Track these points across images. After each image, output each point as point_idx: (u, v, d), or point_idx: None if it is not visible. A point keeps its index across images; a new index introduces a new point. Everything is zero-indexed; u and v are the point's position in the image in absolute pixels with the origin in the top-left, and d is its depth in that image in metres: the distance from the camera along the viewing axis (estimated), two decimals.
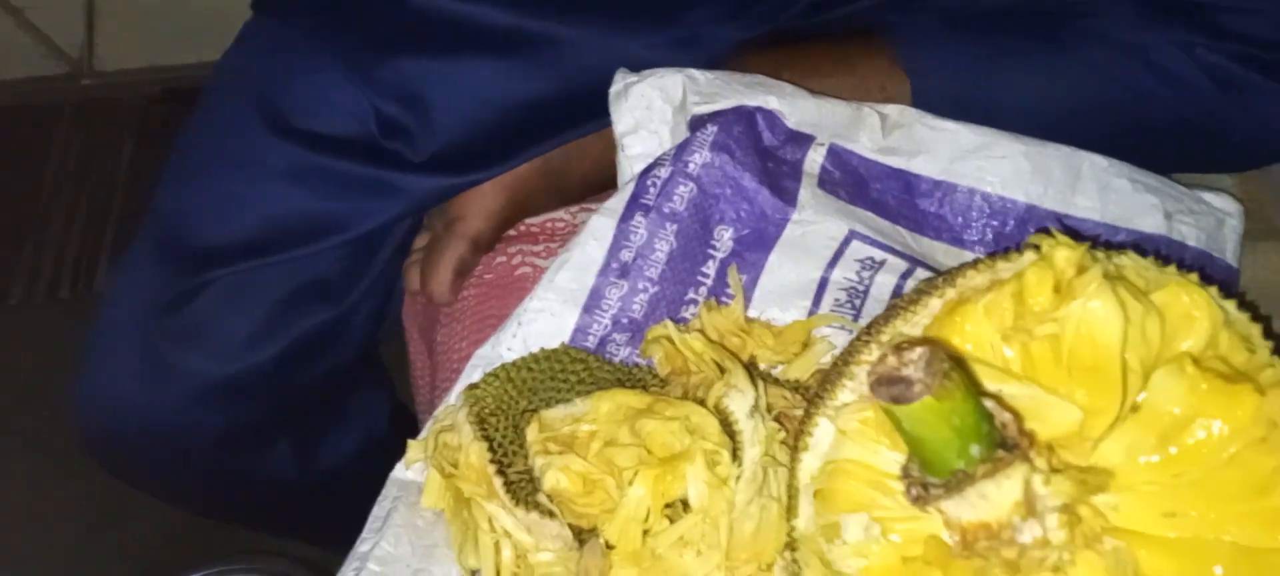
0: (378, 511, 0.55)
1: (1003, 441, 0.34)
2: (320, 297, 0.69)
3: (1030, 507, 0.33)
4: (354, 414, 0.80)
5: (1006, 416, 0.35)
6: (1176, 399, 0.38)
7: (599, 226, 0.61)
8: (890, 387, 0.33)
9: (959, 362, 0.34)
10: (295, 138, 0.67)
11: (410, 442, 0.56)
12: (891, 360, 0.33)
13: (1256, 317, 0.45)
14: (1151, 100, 0.61)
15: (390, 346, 0.79)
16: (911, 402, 0.32)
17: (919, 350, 0.33)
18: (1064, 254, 0.42)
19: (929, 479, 0.34)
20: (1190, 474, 0.38)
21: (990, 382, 0.40)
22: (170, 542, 1.12)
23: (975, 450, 0.33)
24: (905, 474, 0.35)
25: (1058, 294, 0.42)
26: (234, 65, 0.73)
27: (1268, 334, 0.44)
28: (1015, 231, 0.61)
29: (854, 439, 0.43)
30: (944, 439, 0.33)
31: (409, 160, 0.67)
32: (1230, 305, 0.44)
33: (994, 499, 0.33)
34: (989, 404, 0.35)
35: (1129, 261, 0.45)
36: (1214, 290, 0.44)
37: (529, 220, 0.71)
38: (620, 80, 0.64)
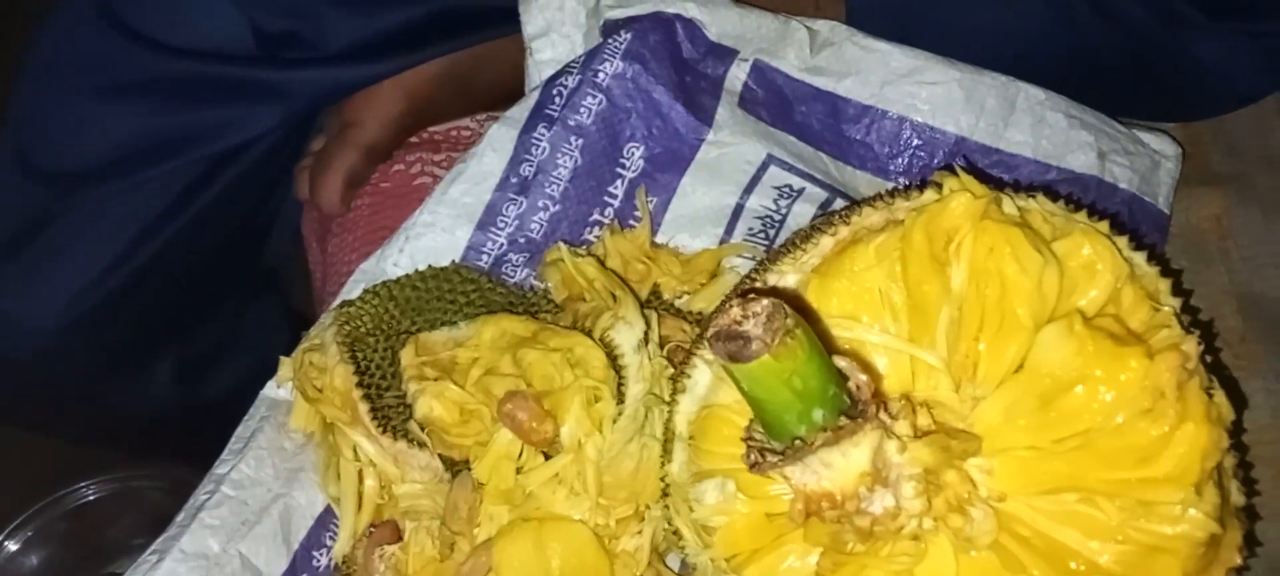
0: (241, 431, 0.52)
1: (852, 406, 0.31)
2: (191, 211, 0.64)
3: (880, 477, 0.30)
4: (248, 337, 0.76)
5: (862, 378, 0.32)
6: (1060, 360, 0.35)
7: (498, 136, 0.57)
8: (728, 343, 0.29)
9: (807, 319, 0.30)
10: (157, 47, 0.61)
11: (282, 359, 0.53)
12: (733, 312, 0.30)
13: (1167, 272, 0.41)
14: (1090, 32, 0.57)
15: (294, 258, 0.74)
16: (748, 361, 0.29)
17: (762, 304, 0.29)
18: (961, 202, 0.38)
19: (769, 443, 0.31)
20: (1070, 439, 0.36)
21: (871, 336, 0.37)
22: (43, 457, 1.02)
23: (819, 415, 0.30)
24: (748, 436, 0.32)
25: (951, 241, 0.38)
26: None
27: (1179, 289, 0.41)
28: (943, 164, 0.58)
29: (730, 385, 0.40)
30: (783, 401, 0.30)
31: (296, 58, 0.61)
32: (1139, 258, 0.41)
33: (839, 468, 0.30)
34: (842, 364, 0.32)
35: (1036, 206, 0.41)
36: (1123, 241, 0.41)
37: (433, 127, 0.66)
38: None
